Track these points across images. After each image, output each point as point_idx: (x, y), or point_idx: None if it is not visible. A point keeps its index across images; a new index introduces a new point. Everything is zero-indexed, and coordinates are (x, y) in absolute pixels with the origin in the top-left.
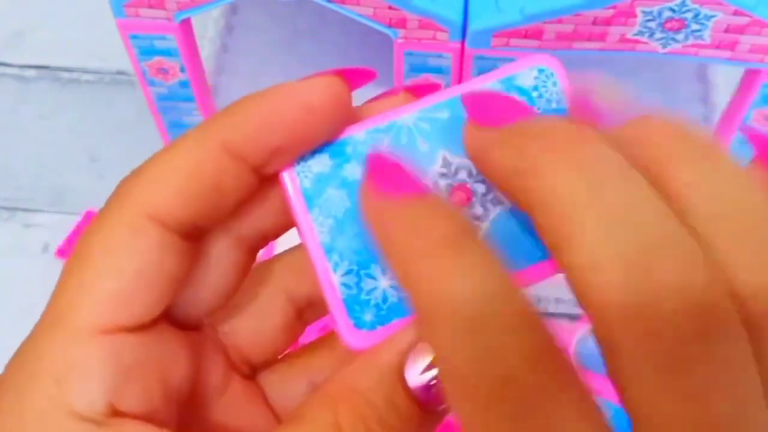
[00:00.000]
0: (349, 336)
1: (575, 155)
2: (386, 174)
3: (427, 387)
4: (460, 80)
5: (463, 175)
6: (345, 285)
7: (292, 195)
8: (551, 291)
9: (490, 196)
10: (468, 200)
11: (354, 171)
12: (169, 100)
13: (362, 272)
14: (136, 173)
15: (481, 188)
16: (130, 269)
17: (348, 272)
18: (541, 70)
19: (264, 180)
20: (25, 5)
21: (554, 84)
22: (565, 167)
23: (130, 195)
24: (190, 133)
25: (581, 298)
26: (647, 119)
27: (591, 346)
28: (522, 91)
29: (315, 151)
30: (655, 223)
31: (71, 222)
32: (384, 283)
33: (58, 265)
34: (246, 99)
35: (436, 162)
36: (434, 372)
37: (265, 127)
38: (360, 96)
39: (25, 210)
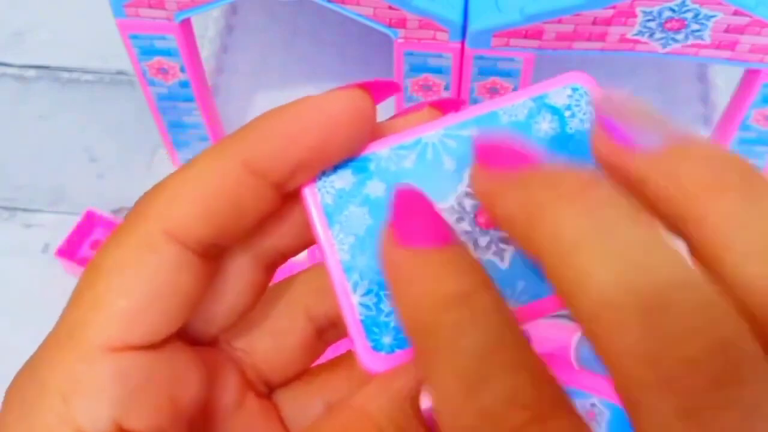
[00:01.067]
0: (367, 358)
1: (582, 201)
2: (411, 219)
3: None
4: (460, 80)
5: None
6: (364, 305)
7: (313, 211)
8: None
9: None
10: (493, 223)
11: (377, 188)
12: (169, 100)
13: (382, 293)
14: (155, 189)
15: None
16: (143, 287)
17: (368, 292)
18: (575, 89)
19: (285, 197)
20: (25, 5)
21: (588, 103)
22: (571, 213)
23: (149, 211)
24: (210, 150)
25: (597, 351)
26: (683, 150)
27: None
28: (554, 110)
29: (338, 167)
30: (666, 266)
31: (71, 222)
32: None
33: (58, 265)
34: (267, 114)
35: (463, 180)
36: None
37: (286, 143)
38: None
39: (25, 210)
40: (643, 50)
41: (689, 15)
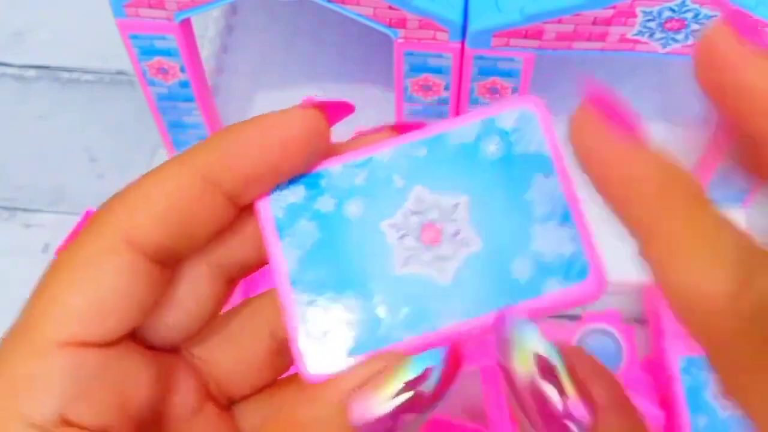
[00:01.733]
0: (307, 368)
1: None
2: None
3: (372, 424)
4: (460, 80)
5: (434, 214)
6: (307, 317)
7: (265, 224)
8: None
9: (459, 237)
10: (437, 240)
11: (327, 204)
12: (169, 100)
13: (326, 305)
14: (117, 197)
15: (450, 228)
16: (99, 288)
17: (311, 303)
18: (523, 113)
19: (242, 211)
20: (25, 5)
21: (534, 128)
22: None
23: (109, 218)
24: (171, 161)
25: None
26: None
27: (591, 345)
28: (501, 132)
29: (291, 182)
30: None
31: (71, 222)
32: (346, 317)
33: None
34: (227, 128)
35: (408, 199)
36: (384, 408)
37: (242, 156)
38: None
39: (25, 210)
40: (643, 50)
41: (689, 15)
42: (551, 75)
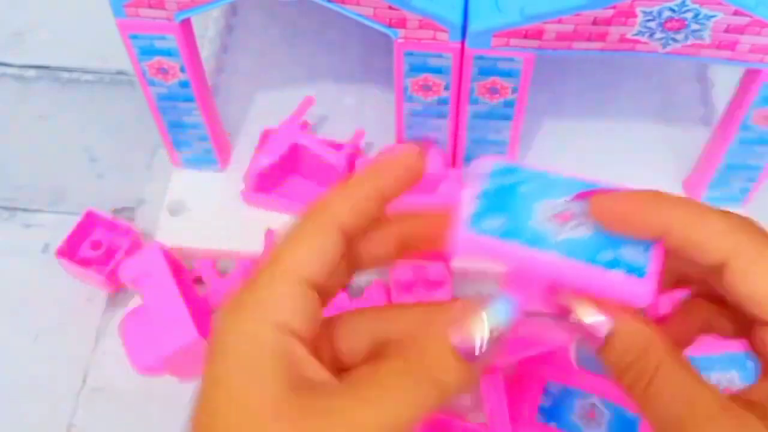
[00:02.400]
0: (459, 234)
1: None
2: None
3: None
4: (460, 80)
5: (571, 210)
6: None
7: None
8: None
9: (578, 227)
10: (566, 219)
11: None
12: (169, 100)
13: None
14: (285, 242)
15: (576, 221)
16: (319, 251)
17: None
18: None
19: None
20: (25, 5)
21: None
22: None
23: (284, 260)
24: (313, 214)
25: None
26: None
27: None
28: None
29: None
30: None
31: (71, 222)
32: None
33: (58, 265)
34: (350, 185)
35: (560, 198)
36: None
37: (365, 212)
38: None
39: (25, 210)
40: (643, 50)
41: (689, 15)
42: (551, 75)
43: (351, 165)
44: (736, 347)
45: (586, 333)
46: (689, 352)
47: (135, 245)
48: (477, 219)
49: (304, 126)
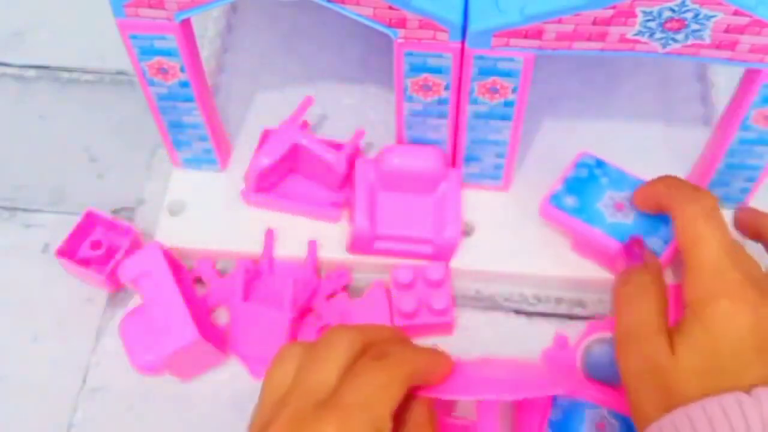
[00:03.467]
0: (544, 205)
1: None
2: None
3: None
4: (460, 80)
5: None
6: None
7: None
8: (551, 291)
9: (628, 214)
10: (621, 209)
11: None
12: (169, 100)
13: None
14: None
15: (627, 209)
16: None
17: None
18: None
19: None
20: (25, 5)
21: None
22: None
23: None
24: (392, 370)
25: None
26: None
27: (596, 354)
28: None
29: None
30: None
31: (71, 222)
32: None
33: (58, 265)
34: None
35: (611, 191)
36: None
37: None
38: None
39: (25, 210)
40: (643, 50)
41: (689, 15)
42: (551, 74)
43: (351, 165)
44: None
45: None
46: None
47: (135, 245)
48: (559, 196)
49: (304, 126)
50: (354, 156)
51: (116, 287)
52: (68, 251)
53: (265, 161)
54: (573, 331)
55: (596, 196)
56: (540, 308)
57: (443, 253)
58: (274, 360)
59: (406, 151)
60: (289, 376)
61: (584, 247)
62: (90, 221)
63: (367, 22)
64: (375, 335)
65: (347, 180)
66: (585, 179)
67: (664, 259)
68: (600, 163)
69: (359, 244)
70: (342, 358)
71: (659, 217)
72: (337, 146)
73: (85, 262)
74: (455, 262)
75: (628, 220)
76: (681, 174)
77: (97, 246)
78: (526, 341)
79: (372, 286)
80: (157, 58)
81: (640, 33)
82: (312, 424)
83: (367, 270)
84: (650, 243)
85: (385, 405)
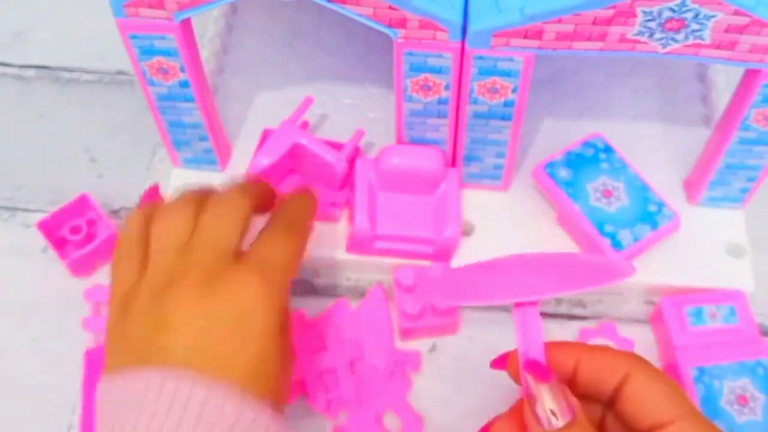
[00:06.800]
0: (536, 170)
1: None
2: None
3: None
4: (460, 80)
5: (617, 187)
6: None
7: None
8: None
9: (621, 198)
10: (610, 195)
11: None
12: (169, 100)
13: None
14: None
15: (618, 192)
16: None
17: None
18: None
19: None
20: (25, 5)
21: None
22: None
23: None
24: (303, 240)
25: None
26: None
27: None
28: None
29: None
30: None
31: None
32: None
33: (58, 265)
34: None
35: (601, 179)
36: None
37: None
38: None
39: (25, 210)
40: (643, 50)
41: (689, 15)
42: (551, 74)
43: (351, 164)
44: (747, 356)
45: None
46: (701, 362)
47: (109, 241)
48: (555, 165)
49: (304, 126)
50: (354, 156)
51: (78, 275)
52: (48, 226)
53: (265, 161)
54: (573, 330)
55: (590, 177)
56: (540, 308)
57: (443, 253)
58: (164, 209)
59: (405, 151)
60: (180, 230)
61: (566, 221)
62: (81, 205)
63: (367, 22)
64: (259, 192)
65: (347, 180)
66: (587, 158)
67: (627, 254)
68: (608, 149)
69: (359, 244)
70: (242, 218)
71: (638, 213)
72: (337, 146)
73: (60, 243)
74: (455, 262)
75: (610, 208)
76: (681, 174)
77: (77, 231)
78: None
79: (372, 289)
80: (157, 58)
81: (640, 33)
82: (232, 277)
83: (368, 270)
84: (621, 236)
85: (295, 271)
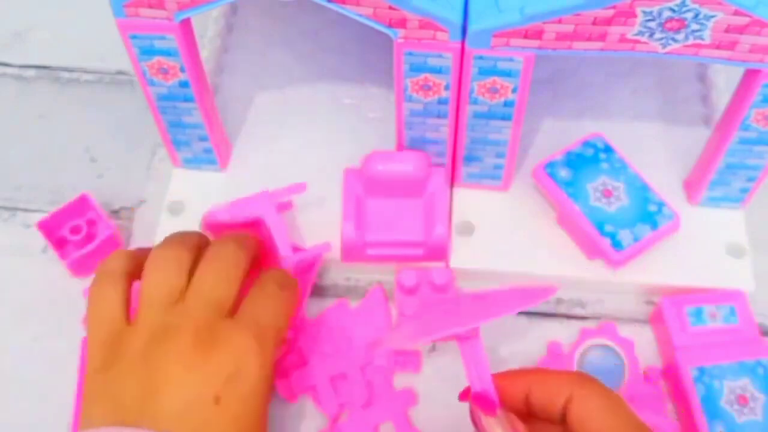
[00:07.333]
0: (537, 170)
1: None
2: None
3: None
4: (460, 80)
5: (616, 186)
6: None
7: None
8: None
9: (620, 198)
10: (610, 195)
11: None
12: (169, 100)
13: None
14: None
15: (618, 192)
16: None
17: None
18: None
19: None
20: (25, 5)
21: None
22: None
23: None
24: (294, 299)
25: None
26: None
27: (592, 361)
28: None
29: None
30: None
31: None
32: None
33: (58, 265)
34: None
35: (602, 179)
36: None
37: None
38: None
39: (25, 210)
40: (643, 50)
41: (689, 15)
42: (550, 74)
43: (299, 272)
44: (747, 356)
45: None
46: (701, 362)
47: (109, 243)
48: (555, 165)
49: (287, 206)
50: (305, 264)
51: (78, 275)
52: (48, 226)
53: (223, 216)
54: (573, 330)
55: (590, 177)
56: (540, 308)
57: (435, 254)
58: (155, 257)
59: (388, 157)
60: (173, 283)
61: (566, 221)
62: (81, 205)
63: (367, 22)
64: (254, 247)
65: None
66: (587, 158)
67: (627, 254)
68: (608, 148)
69: (351, 253)
70: (240, 276)
71: (638, 213)
72: (297, 249)
73: (60, 243)
74: (454, 263)
75: (610, 208)
76: (681, 174)
77: (77, 231)
78: (527, 341)
79: (372, 289)
80: (157, 58)
81: (640, 33)
82: (226, 337)
83: (368, 270)
84: (621, 236)
85: (287, 328)
